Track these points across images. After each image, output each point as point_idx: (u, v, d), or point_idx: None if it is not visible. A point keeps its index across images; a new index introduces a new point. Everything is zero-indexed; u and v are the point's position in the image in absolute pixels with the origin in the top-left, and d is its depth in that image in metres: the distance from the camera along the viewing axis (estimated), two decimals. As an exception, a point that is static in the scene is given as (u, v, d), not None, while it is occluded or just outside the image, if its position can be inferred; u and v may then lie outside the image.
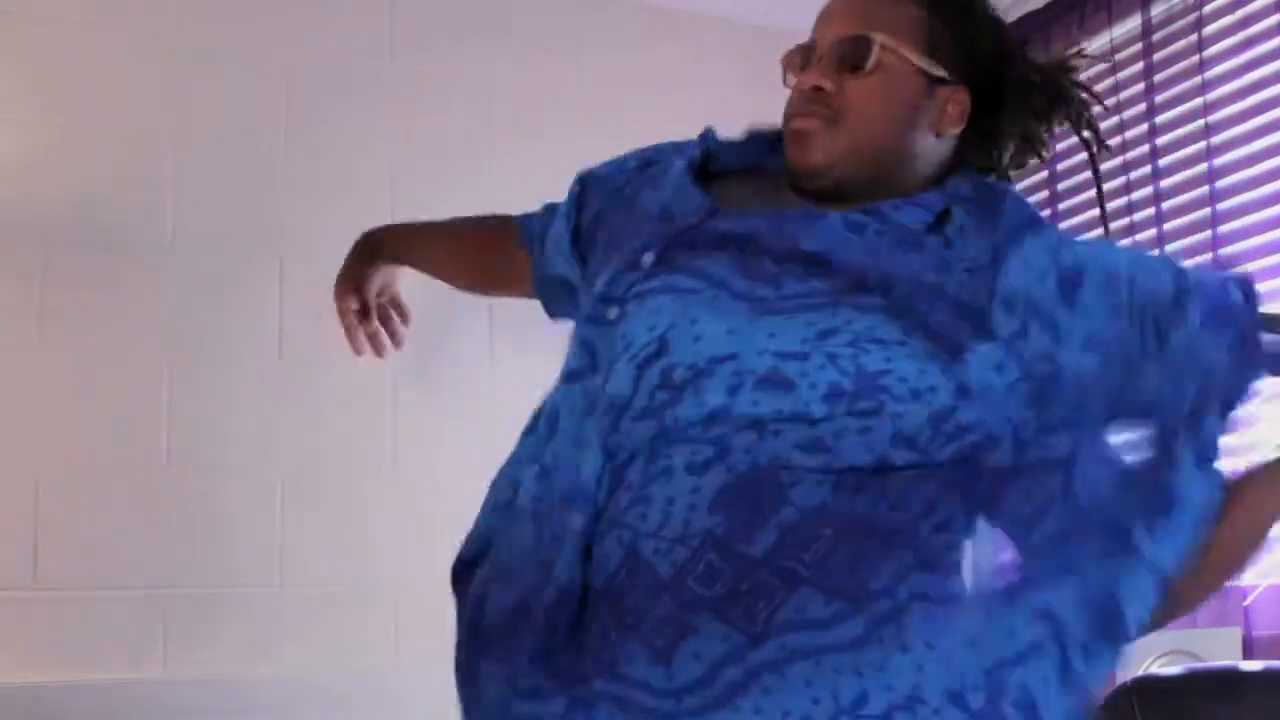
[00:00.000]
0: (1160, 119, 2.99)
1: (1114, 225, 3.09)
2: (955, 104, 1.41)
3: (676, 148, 1.57)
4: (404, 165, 2.98)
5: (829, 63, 1.39)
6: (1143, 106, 3.03)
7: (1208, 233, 2.85)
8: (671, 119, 3.32)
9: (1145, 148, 3.01)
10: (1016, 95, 1.46)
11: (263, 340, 2.79)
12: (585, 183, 1.70)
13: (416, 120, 3.03)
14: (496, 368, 3.00)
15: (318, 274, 2.87)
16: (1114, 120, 3.10)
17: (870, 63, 1.37)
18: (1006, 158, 1.50)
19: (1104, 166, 3.14)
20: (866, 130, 1.38)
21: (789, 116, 1.43)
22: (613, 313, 1.36)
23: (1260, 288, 2.67)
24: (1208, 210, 2.85)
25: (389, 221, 2.93)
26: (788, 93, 1.45)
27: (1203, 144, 2.88)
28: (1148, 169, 3.00)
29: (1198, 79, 2.90)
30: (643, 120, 3.28)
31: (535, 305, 3.11)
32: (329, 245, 2.88)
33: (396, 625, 2.80)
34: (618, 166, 1.67)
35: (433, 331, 2.95)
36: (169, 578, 2.64)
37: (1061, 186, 3.26)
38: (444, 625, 2.95)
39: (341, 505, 2.80)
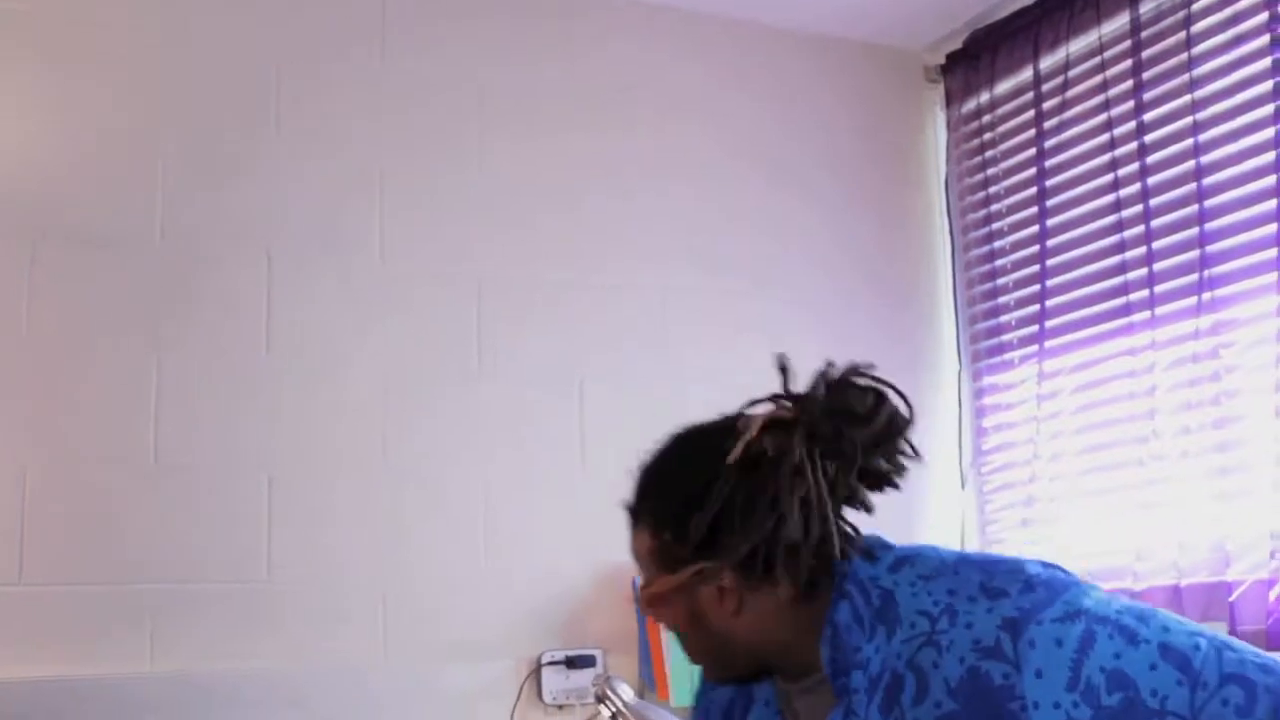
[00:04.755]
0: (1148, 116, 2.99)
1: (1102, 222, 3.11)
2: (720, 592, 1.39)
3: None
4: (393, 161, 2.98)
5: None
6: (1130, 104, 3.03)
7: (1195, 229, 2.86)
8: (659, 117, 3.33)
9: (1133, 145, 3.02)
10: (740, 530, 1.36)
11: (250, 335, 2.79)
12: None
13: (406, 116, 3.03)
14: (485, 366, 3.00)
15: (305, 269, 2.88)
16: (1102, 117, 3.11)
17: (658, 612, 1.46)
18: (805, 564, 1.37)
19: (1091, 164, 3.19)
20: (701, 651, 1.46)
21: None
22: None
23: (1246, 284, 2.69)
24: (1195, 207, 2.86)
25: (377, 218, 2.94)
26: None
27: (1190, 141, 2.88)
28: (1135, 166, 3.01)
29: (1186, 76, 2.90)
30: (632, 118, 3.29)
31: (523, 305, 3.13)
32: (318, 241, 2.89)
33: (384, 621, 2.80)
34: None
35: (422, 328, 2.95)
36: (156, 573, 2.63)
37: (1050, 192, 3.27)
38: (430, 622, 2.98)
39: (330, 502, 2.80)
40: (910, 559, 1.41)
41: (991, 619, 1.27)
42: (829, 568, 1.38)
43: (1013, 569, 1.33)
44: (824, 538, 1.36)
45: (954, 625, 1.29)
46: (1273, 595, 2.57)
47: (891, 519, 3.66)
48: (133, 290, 2.71)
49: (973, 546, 3.45)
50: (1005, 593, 1.29)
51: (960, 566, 1.36)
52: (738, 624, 1.40)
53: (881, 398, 1.43)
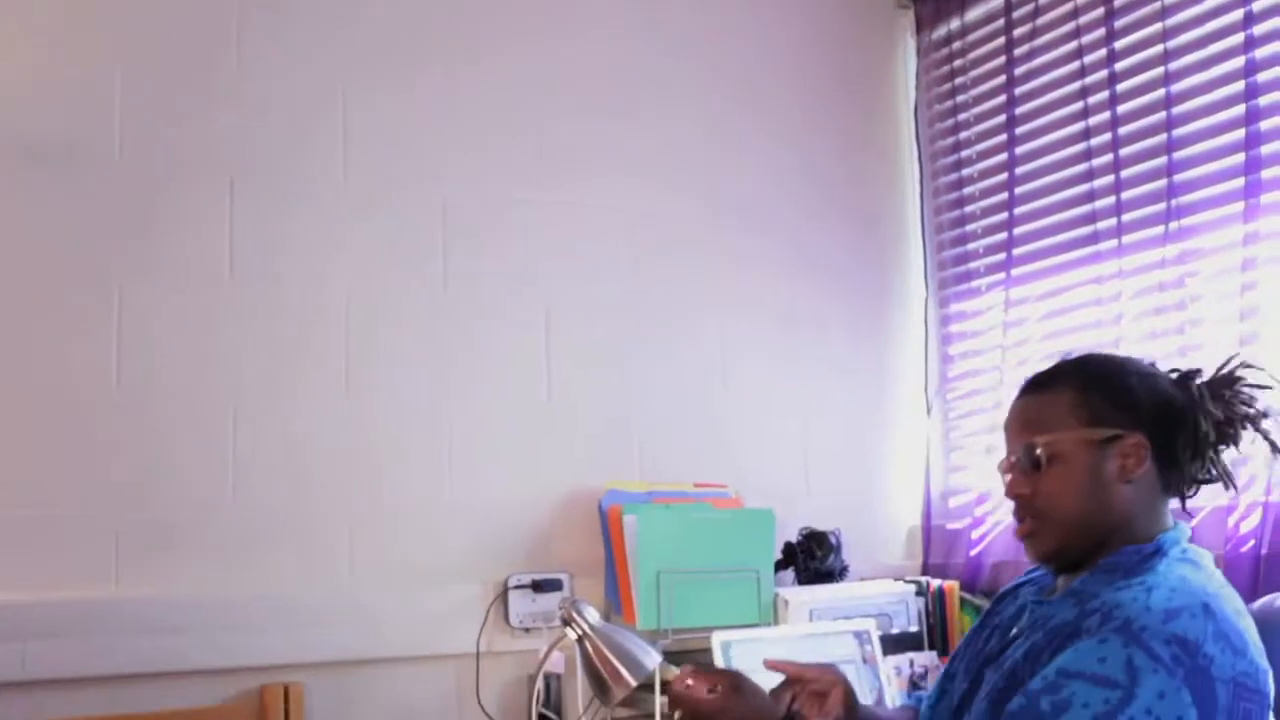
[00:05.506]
0: (1119, 44, 2.98)
1: (1071, 150, 3.11)
2: (1132, 451, 1.76)
3: None
4: (357, 81, 2.94)
5: (1018, 470, 1.83)
6: (1101, 31, 3.02)
7: (1163, 159, 2.86)
8: (629, 39, 3.30)
9: (1103, 73, 3.01)
10: (1190, 427, 1.79)
11: (213, 259, 2.76)
12: None
13: (369, 34, 2.98)
14: (450, 288, 2.98)
15: (267, 192, 2.84)
16: (1072, 45, 3.10)
17: (1041, 463, 1.79)
18: (1199, 476, 1.82)
19: (1061, 91, 3.16)
20: (1064, 513, 1.77)
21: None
22: None
23: (1213, 213, 2.69)
24: (1164, 136, 2.86)
25: (340, 140, 2.90)
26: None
27: (1160, 70, 2.88)
28: (1105, 94, 3.00)
29: (1157, 4, 2.89)
30: (600, 39, 3.26)
31: (488, 226, 3.11)
32: (280, 163, 2.86)
33: (350, 546, 2.80)
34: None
35: (387, 253, 2.93)
36: (121, 498, 2.62)
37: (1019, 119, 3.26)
38: (397, 546, 2.97)
39: (294, 426, 2.78)
40: (1194, 558, 1.76)
41: (1156, 617, 1.59)
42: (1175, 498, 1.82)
43: (1220, 634, 1.61)
44: (1204, 474, 1.81)
45: (1144, 594, 1.63)
46: (1231, 521, 2.60)
47: (858, 446, 3.67)
48: (93, 213, 2.67)
49: (936, 473, 3.48)
50: (1191, 627, 1.59)
51: (1208, 594, 1.66)
52: (1122, 492, 1.76)
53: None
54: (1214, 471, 1.83)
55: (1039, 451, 1.79)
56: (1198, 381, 1.83)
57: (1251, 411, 1.83)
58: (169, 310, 2.70)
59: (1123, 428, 1.77)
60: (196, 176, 2.76)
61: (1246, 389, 1.84)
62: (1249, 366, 1.86)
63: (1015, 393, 1.94)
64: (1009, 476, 1.85)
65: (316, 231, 2.86)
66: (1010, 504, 1.87)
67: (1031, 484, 1.80)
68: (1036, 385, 1.87)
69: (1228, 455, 1.88)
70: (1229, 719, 1.57)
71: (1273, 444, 1.85)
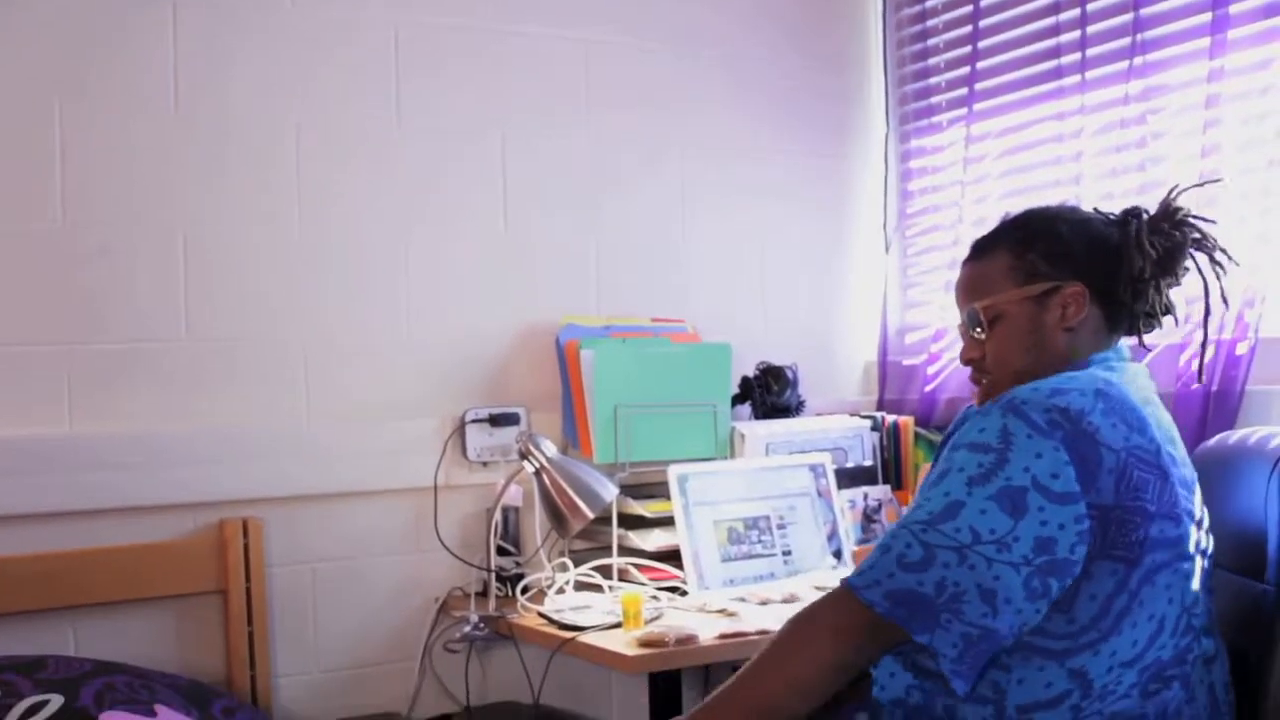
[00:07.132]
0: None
1: (1040, 24, 3.05)
2: (1070, 300, 1.82)
3: None
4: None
5: (967, 335, 1.92)
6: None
7: (1128, 61, 2.81)
8: None
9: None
10: (1127, 267, 1.82)
11: (157, 89, 2.67)
12: None
13: None
14: (404, 121, 2.92)
15: (213, 18, 2.75)
16: None
17: (983, 326, 1.87)
18: (1145, 310, 1.87)
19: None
20: (1011, 368, 1.84)
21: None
22: None
23: (1178, 49, 2.65)
24: (1130, 14, 2.80)
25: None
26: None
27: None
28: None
29: None
30: None
31: (441, 58, 3.03)
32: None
33: (307, 379, 2.79)
34: None
35: (338, 82, 2.86)
36: (72, 334, 2.58)
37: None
38: (353, 381, 2.96)
39: (246, 259, 2.74)
40: (1115, 364, 1.83)
41: (1041, 393, 1.69)
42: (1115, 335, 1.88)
43: (1093, 414, 1.68)
44: (1149, 308, 1.86)
45: (1040, 383, 1.73)
46: (1183, 359, 2.63)
47: (816, 282, 3.66)
48: (30, 43, 2.57)
49: (894, 310, 3.49)
50: (1076, 401, 1.68)
51: (1109, 384, 1.74)
52: (1062, 338, 1.82)
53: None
54: (1158, 307, 1.87)
55: (979, 317, 1.87)
56: (1136, 219, 1.86)
57: (1193, 237, 1.87)
58: (113, 138, 2.63)
59: (1059, 279, 1.83)
60: (137, 3, 2.66)
61: (1189, 219, 1.88)
62: (1185, 191, 1.90)
63: (972, 234, 1.95)
64: (963, 342, 1.93)
65: (264, 59, 2.78)
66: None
67: (979, 347, 1.89)
68: (976, 252, 1.92)
69: (1183, 292, 1.91)
70: (1119, 480, 1.63)
71: (1216, 262, 1.89)
